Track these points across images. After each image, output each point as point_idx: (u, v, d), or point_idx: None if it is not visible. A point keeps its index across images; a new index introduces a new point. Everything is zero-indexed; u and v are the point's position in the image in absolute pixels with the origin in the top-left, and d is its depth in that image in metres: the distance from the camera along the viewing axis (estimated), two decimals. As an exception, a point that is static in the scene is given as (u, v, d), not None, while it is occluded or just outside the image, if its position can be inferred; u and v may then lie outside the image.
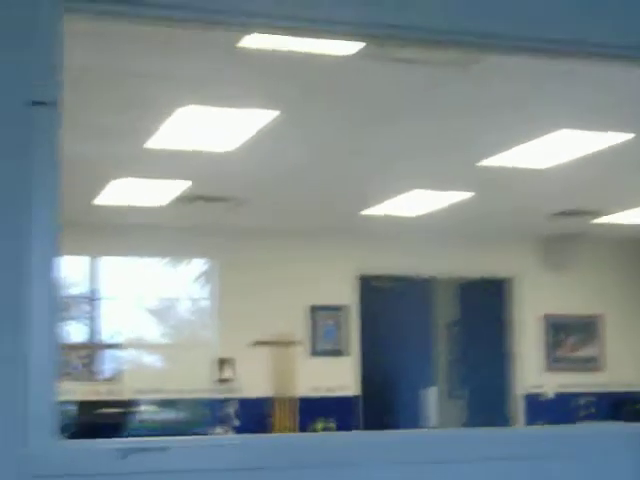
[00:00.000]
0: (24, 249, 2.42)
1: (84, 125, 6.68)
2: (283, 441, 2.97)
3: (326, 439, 2.98)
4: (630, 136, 7.53)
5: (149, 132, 7.19)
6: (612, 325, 12.70)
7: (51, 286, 2.46)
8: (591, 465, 2.87)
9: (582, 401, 12.45)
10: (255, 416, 11.22)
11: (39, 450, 2.38)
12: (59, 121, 2.51)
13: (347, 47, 5.53)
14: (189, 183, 9.02)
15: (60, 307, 2.55)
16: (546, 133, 7.44)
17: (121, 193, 9.30)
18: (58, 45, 2.52)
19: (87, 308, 11.35)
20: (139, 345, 11.64)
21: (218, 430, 10.84)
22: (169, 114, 6.77)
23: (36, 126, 2.47)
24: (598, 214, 10.77)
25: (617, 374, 12.55)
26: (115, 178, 8.74)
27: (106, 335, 11.41)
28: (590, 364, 12.72)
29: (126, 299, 11.48)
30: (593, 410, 12.41)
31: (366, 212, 10.42)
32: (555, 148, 7.86)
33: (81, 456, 2.46)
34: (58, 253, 2.49)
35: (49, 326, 2.45)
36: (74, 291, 11.32)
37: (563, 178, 8.89)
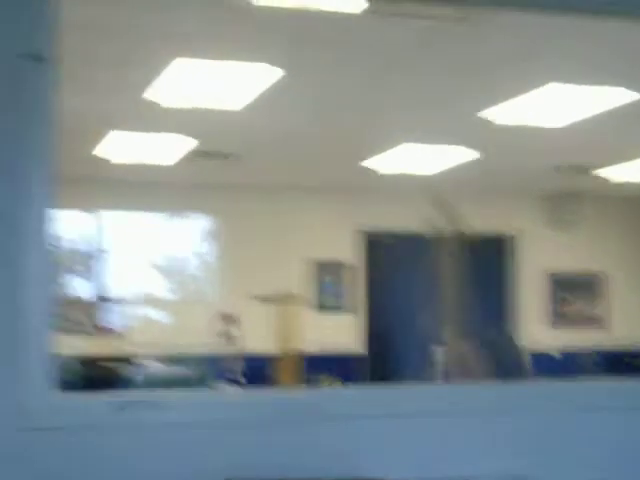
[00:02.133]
0: (19, 203, 2.43)
1: (84, 80, 6.67)
2: (282, 396, 2.97)
3: (331, 394, 2.99)
4: (634, 93, 7.50)
5: (149, 86, 7.17)
6: (615, 283, 12.71)
7: (46, 239, 2.47)
8: (599, 418, 2.89)
9: (586, 358, 12.48)
10: (259, 372, 11.25)
11: (37, 402, 2.40)
12: (55, 75, 2.50)
13: (355, 5, 5.52)
14: (192, 139, 9.02)
15: (56, 259, 2.57)
16: (541, 85, 7.39)
17: (123, 149, 9.30)
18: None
19: (92, 263, 11.37)
20: (143, 301, 11.67)
21: (221, 386, 10.88)
22: (169, 67, 6.74)
23: (32, 80, 2.46)
24: (601, 172, 10.76)
25: (620, 332, 12.58)
26: (115, 131, 8.74)
27: (110, 291, 11.44)
28: (593, 322, 12.75)
29: (131, 255, 11.50)
30: (597, 367, 12.44)
31: (369, 165, 10.40)
32: (556, 106, 7.83)
33: (78, 408, 2.48)
34: (53, 206, 2.49)
35: (45, 278, 2.46)
36: (80, 246, 11.34)
37: (568, 135, 8.88)
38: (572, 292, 12.74)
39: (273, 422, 2.58)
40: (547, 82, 7.28)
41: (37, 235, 2.45)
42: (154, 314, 11.85)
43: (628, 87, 7.38)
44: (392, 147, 9.66)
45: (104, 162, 9.78)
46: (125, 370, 10.76)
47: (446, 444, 2.74)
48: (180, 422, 2.52)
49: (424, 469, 2.66)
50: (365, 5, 5.49)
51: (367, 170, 10.49)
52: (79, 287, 11.33)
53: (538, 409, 2.86)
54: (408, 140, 9.41)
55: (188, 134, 8.88)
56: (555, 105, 7.90)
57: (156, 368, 11.08)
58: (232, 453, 2.52)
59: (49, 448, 2.41)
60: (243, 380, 11.17)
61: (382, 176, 10.66)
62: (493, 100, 7.88)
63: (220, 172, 10.46)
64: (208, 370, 11.27)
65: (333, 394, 2.90)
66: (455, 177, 10.83)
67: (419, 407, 2.76)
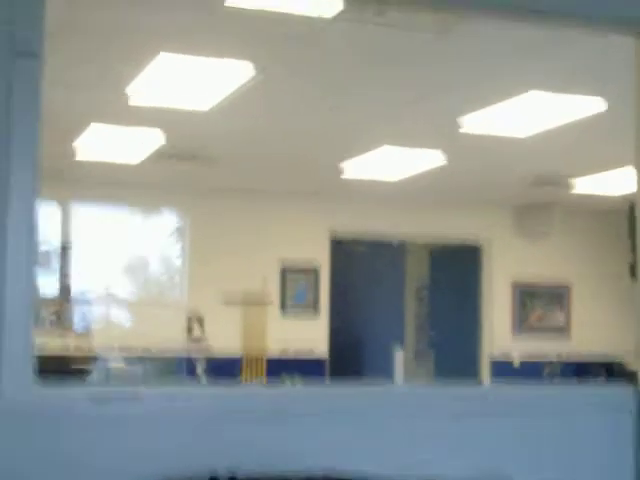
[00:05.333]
0: (5, 197, 2.45)
1: (62, 74, 6.68)
2: (251, 391, 3.02)
3: (293, 391, 3.03)
4: (605, 106, 7.57)
5: (128, 84, 7.17)
6: (579, 294, 12.82)
7: (29, 235, 2.49)
8: (560, 423, 2.95)
9: (548, 368, 12.58)
10: (224, 375, 11.26)
11: (16, 395, 2.42)
12: (41, 72, 2.53)
13: (327, 9, 5.56)
14: (163, 140, 9.01)
15: (37, 255, 2.58)
16: (520, 99, 7.47)
17: (96, 147, 9.28)
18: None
19: (57, 261, 11.30)
20: (109, 301, 11.62)
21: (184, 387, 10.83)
22: (145, 70, 6.76)
23: (20, 76, 2.48)
24: (572, 184, 10.84)
25: (583, 343, 12.69)
26: (90, 130, 8.72)
27: (76, 290, 11.39)
28: (557, 332, 12.85)
29: (97, 252, 11.45)
30: (559, 377, 12.55)
31: (342, 175, 10.43)
32: (532, 116, 7.89)
33: (57, 401, 2.51)
34: (37, 202, 2.51)
35: (26, 274, 2.48)
36: (45, 245, 11.27)
37: (539, 146, 8.94)
38: (537, 302, 12.84)
39: (255, 417, 2.63)
40: (527, 90, 7.35)
41: (22, 231, 2.47)
42: (119, 315, 11.81)
43: (603, 97, 7.46)
44: (367, 151, 9.70)
45: (76, 161, 9.76)
46: (89, 372, 10.73)
47: (413, 444, 2.79)
48: (155, 417, 2.55)
49: (391, 467, 2.70)
50: (338, 9, 5.53)
51: (339, 175, 10.51)
52: (44, 285, 11.27)
53: (502, 412, 2.92)
54: (385, 144, 9.44)
55: (160, 131, 8.87)
56: (531, 114, 7.97)
57: (120, 370, 11.06)
58: (213, 447, 2.56)
59: (30, 439, 2.44)
60: (207, 381, 11.18)
61: (353, 181, 10.69)
62: (473, 107, 7.93)
63: (191, 173, 10.45)
64: (173, 370, 11.27)
65: (298, 393, 2.94)
66: (424, 184, 10.87)
67: (383, 408, 2.81)
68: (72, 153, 9.57)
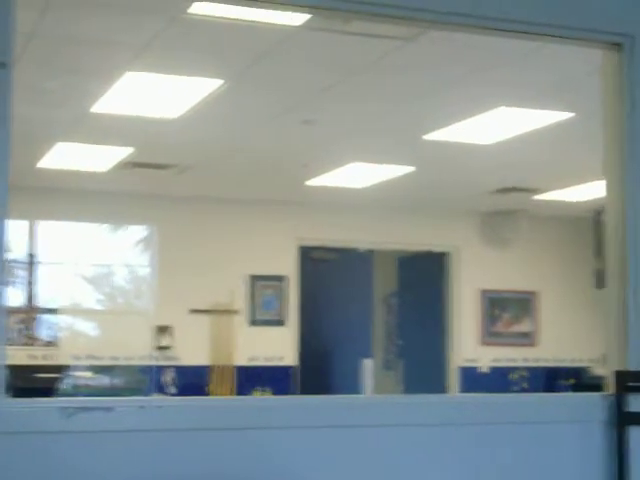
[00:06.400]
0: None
1: (29, 88, 6.64)
2: (222, 403, 3.02)
3: (263, 402, 3.03)
4: (570, 115, 7.64)
5: (94, 97, 7.16)
6: (547, 301, 12.88)
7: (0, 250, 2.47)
8: (529, 432, 2.97)
9: (516, 375, 12.64)
10: (192, 384, 11.25)
11: (-14, 408, 2.41)
12: (11, 83, 2.51)
13: (294, 18, 5.56)
14: (131, 149, 8.99)
15: (4, 270, 2.56)
16: (487, 110, 7.52)
17: (63, 157, 9.25)
18: (12, 7, 2.52)
19: (24, 272, 11.26)
20: (76, 311, 11.58)
21: (155, 397, 10.83)
22: (114, 80, 6.74)
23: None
24: (537, 191, 10.90)
25: (551, 349, 12.75)
26: (58, 142, 8.70)
27: (42, 300, 11.34)
28: (525, 339, 12.90)
29: (64, 264, 11.41)
30: (527, 384, 12.61)
31: (308, 183, 10.46)
32: (497, 125, 7.94)
33: (28, 414, 2.49)
34: (5, 216, 2.50)
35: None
36: (11, 255, 11.21)
37: (504, 155, 8.98)
38: (504, 309, 12.89)
39: (227, 429, 2.63)
40: (497, 106, 7.39)
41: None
42: (86, 325, 11.76)
43: (576, 112, 7.53)
44: (337, 167, 9.72)
45: (42, 171, 9.73)
46: (56, 381, 10.67)
47: (379, 454, 2.80)
48: (128, 429, 2.54)
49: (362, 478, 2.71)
50: (303, 20, 5.52)
51: (306, 184, 10.53)
52: (10, 296, 11.19)
53: (471, 421, 2.92)
54: (354, 160, 9.47)
55: (127, 144, 8.85)
56: (502, 128, 8.02)
57: (87, 379, 11.01)
58: (182, 459, 2.55)
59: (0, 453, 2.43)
60: (175, 391, 11.16)
61: (319, 188, 10.70)
62: (441, 122, 7.96)
63: (158, 183, 10.44)
64: (140, 381, 11.23)
65: (269, 403, 2.93)
66: (392, 191, 10.89)
67: (353, 418, 2.81)
68: (40, 169, 9.55)
